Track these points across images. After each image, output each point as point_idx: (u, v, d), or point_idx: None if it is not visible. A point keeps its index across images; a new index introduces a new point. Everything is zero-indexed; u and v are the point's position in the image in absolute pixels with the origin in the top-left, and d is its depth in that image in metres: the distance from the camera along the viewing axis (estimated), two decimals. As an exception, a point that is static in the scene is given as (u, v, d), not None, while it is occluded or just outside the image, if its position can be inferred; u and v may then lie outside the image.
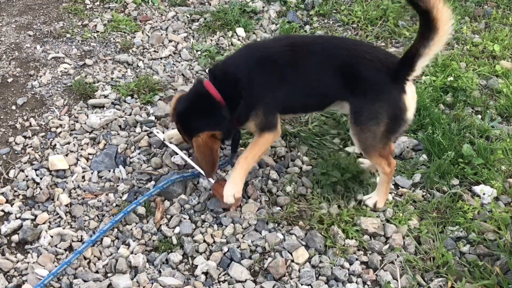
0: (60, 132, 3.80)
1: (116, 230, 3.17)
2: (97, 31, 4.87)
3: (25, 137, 3.76)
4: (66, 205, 3.31)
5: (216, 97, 3.11)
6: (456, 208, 3.32)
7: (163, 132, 3.74)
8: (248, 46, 3.63)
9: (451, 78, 4.25)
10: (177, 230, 3.17)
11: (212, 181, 3.35)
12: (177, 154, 3.56)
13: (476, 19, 5.29)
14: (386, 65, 3.03)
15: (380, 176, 3.31)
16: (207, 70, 3.36)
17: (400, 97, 3.02)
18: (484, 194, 3.42)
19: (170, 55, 4.66)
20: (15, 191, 3.38)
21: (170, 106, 3.34)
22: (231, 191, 3.19)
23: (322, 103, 3.35)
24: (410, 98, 3.05)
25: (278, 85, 3.15)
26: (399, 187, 3.53)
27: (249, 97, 3.13)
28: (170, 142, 3.61)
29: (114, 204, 3.32)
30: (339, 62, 3.09)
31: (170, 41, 4.83)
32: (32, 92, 4.13)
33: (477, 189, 3.46)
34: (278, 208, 3.35)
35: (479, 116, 4.07)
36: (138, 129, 3.82)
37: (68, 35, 4.78)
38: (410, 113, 3.08)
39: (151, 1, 5.32)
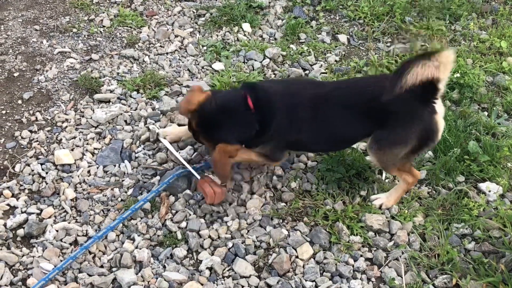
0: (66, 126, 3.81)
1: (121, 225, 3.17)
2: (103, 26, 4.87)
3: (31, 131, 3.76)
4: (72, 200, 3.32)
5: (255, 117, 3.07)
6: (462, 205, 3.32)
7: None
8: (289, 82, 3.61)
9: (458, 75, 4.23)
10: (183, 224, 3.18)
11: (198, 177, 3.33)
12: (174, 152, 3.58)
13: (483, 15, 5.27)
14: (409, 89, 2.88)
15: (400, 182, 3.31)
16: (248, 85, 3.25)
17: (432, 119, 2.98)
18: (489, 191, 3.41)
19: (176, 50, 4.66)
20: (21, 185, 3.40)
21: (192, 100, 3.11)
22: None
23: (346, 147, 3.50)
24: (441, 116, 3.02)
25: (297, 134, 3.16)
26: (405, 184, 3.52)
27: (271, 133, 3.12)
28: (164, 138, 3.61)
29: (120, 199, 3.33)
30: (363, 108, 3.05)
31: (176, 36, 4.82)
32: (38, 87, 4.14)
33: (483, 186, 3.46)
34: (283, 204, 3.35)
35: (486, 113, 4.06)
36: (142, 124, 3.82)
37: (74, 30, 4.78)
38: (441, 133, 3.06)
39: (157, -4, 5.33)
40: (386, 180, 3.52)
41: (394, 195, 3.33)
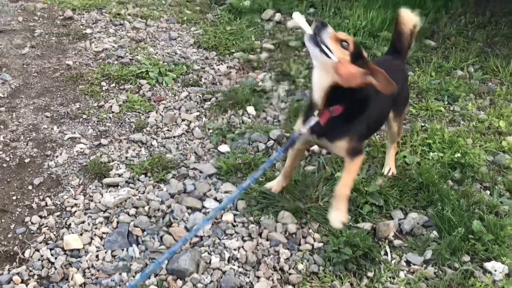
0: (75, 211, 3.86)
1: (129, 310, 3.18)
2: (113, 112, 5.02)
3: (40, 216, 3.82)
4: (80, 285, 3.32)
5: None
6: (468, 285, 3.31)
7: None
8: None
9: (459, 155, 4.32)
10: (189, 309, 3.18)
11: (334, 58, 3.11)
12: None
13: (481, 96, 5.42)
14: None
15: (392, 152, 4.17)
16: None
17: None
18: (495, 270, 3.41)
19: (183, 133, 4.79)
20: (30, 271, 3.41)
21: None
22: (338, 218, 3.43)
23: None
24: None
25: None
26: (411, 264, 3.53)
27: (363, 118, 3.40)
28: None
29: (127, 284, 3.34)
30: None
31: (183, 120, 4.97)
32: (48, 172, 4.23)
33: (489, 265, 3.46)
34: (291, 286, 3.35)
35: (488, 192, 4.12)
36: (146, 208, 3.88)
37: (84, 116, 4.93)
38: None
39: (165, 82, 5.51)
40: (393, 262, 3.53)
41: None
